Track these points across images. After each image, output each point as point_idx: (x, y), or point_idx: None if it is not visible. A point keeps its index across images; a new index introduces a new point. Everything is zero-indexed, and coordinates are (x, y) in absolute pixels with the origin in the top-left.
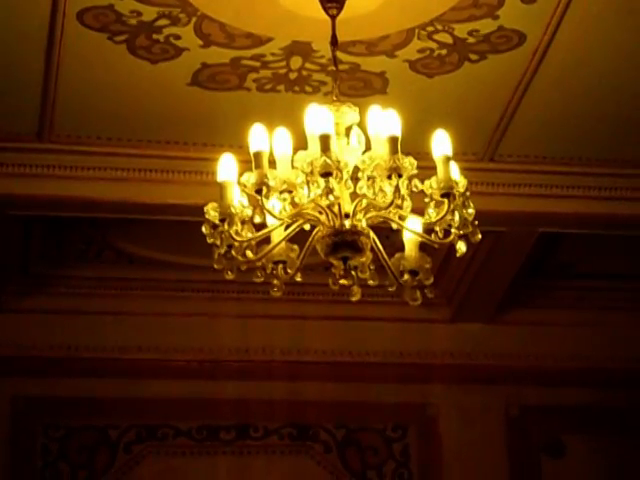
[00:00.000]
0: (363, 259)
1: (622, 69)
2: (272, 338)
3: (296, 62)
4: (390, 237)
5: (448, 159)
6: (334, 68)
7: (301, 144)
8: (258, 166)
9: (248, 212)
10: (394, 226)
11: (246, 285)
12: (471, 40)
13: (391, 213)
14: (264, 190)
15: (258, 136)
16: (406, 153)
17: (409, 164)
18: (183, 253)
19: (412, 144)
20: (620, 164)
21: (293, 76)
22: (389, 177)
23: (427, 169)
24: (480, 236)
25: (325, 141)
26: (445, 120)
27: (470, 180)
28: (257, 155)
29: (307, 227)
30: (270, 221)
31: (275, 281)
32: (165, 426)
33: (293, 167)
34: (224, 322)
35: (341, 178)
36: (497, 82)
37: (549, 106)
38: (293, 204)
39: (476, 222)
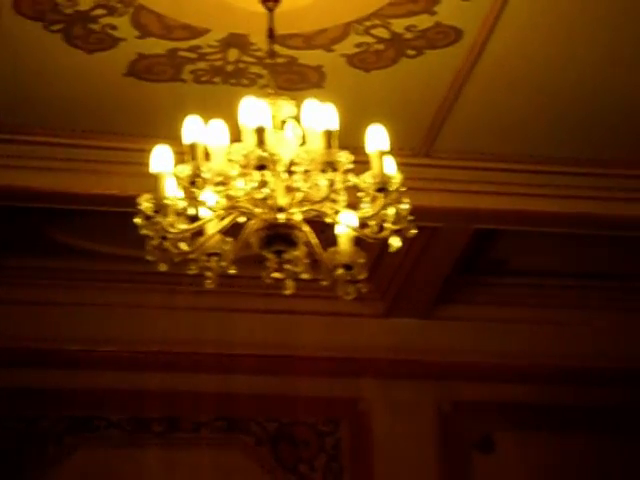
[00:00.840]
0: (297, 253)
1: (559, 66)
2: (202, 330)
3: (233, 54)
4: (325, 231)
5: (383, 154)
6: (271, 61)
7: (237, 136)
8: (193, 158)
9: (182, 204)
10: (328, 220)
11: (176, 277)
12: (408, 35)
13: (326, 207)
14: (198, 182)
15: (192, 128)
16: (342, 147)
17: (345, 158)
18: (116, 244)
19: (348, 138)
20: (556, 161)
21: (230, 68)
22: (324, 171)
23: (364, 164)
24: (415, 231)
25: (260, 134)
26: (382, 115)
27: (406, 175)
28: (191, 147)
29: (242, 220)
30: (204, 213)
31: (208, 273)
32: (96, 417)
33: (228, 159)
34: (154, 313)
35: (276, 171)
36: (434, 78)
37: (486, 103)
38: (228, 197)
39: (411, 217)
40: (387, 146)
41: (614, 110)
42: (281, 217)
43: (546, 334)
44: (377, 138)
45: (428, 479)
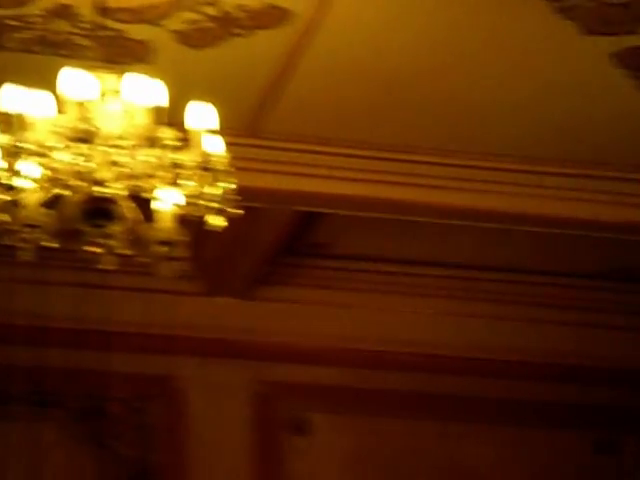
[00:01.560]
0: (117, 227)
1: (391, 52)
2: (15, 302)
3: (59, 25)
4: (147, 207)
5: (209, 132)
6: (98, 33)
7: (61, 108)
8: (12, 128)
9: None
10: (150, 196)
11: None
12: (239, 14)
13: (148, 183)
14: (18, 152)
15: (11, 97)
16: (168, 124)
17: (169, 135)
18: None
19: (174, 115)
20: (382, 147)
21: (55, 39)
22: (147, 147)
23: (189, 141)
24: (237, 211)
25: (84, 107)
26: (209, 93)
27: (232, 155)
28: (10, 116)
29: (62, 192)
30: (24, 184)
31: (25, 245)
32: None
33: (50, 131)
34: None
35: (98, 145)
36: (264, 58)
37: (315, 86)
38: (49, 168)
39: (235, 197)
40: (214, 124)
41: (447, 98)
42: (100, 191)
43: (366, 319)
44: (202, 116)
45: (242, 459)
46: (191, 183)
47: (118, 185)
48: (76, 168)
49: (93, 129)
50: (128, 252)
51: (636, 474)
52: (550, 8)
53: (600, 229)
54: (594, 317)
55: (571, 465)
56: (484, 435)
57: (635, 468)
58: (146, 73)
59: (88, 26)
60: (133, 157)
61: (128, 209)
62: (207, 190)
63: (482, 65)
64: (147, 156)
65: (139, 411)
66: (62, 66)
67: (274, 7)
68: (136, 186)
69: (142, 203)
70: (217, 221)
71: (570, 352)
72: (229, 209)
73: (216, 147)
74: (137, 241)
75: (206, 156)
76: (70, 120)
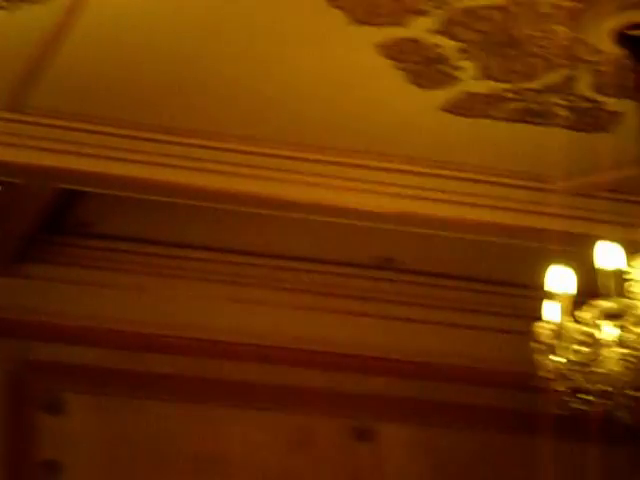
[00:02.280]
0: None
1: (161, 33)
2: None
3: None
4: None
5: None
6: None
7: None
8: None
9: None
10: None
11: None
12: None
13: None
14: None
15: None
16: None
17: None
18: None
19: None
20: (145, 127)
21: None
22: None
23: None
24: None
25: None
26: None
27: None
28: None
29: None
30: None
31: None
32: None
33: None
34: None
35: None
36: (28, 32)
37: (81, 63)
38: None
39: None
40: None
41: (217, 82)
42: None
43: (130, 300)
44: None
45: None
46: None
47: None
48: None
49: None
50: None
51: (392, 461)
52: None
53: (360, 218)
54: (356, 305)
55: (330, 450)
56: (247, 420)
57: (391, 455)
58: None
59: None
60: None
61: None
62: None
63: (251, 52)
64: None
65: None
66: None
67: None
68: None
69: None
70: None
71: (331, 339)
72: None
73: None
74: None
75: None
76: None
